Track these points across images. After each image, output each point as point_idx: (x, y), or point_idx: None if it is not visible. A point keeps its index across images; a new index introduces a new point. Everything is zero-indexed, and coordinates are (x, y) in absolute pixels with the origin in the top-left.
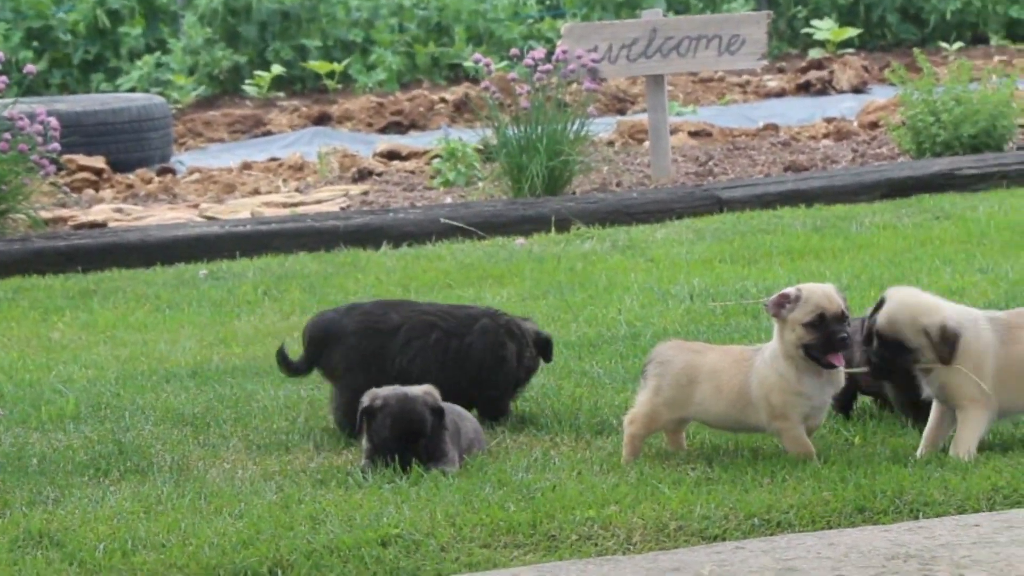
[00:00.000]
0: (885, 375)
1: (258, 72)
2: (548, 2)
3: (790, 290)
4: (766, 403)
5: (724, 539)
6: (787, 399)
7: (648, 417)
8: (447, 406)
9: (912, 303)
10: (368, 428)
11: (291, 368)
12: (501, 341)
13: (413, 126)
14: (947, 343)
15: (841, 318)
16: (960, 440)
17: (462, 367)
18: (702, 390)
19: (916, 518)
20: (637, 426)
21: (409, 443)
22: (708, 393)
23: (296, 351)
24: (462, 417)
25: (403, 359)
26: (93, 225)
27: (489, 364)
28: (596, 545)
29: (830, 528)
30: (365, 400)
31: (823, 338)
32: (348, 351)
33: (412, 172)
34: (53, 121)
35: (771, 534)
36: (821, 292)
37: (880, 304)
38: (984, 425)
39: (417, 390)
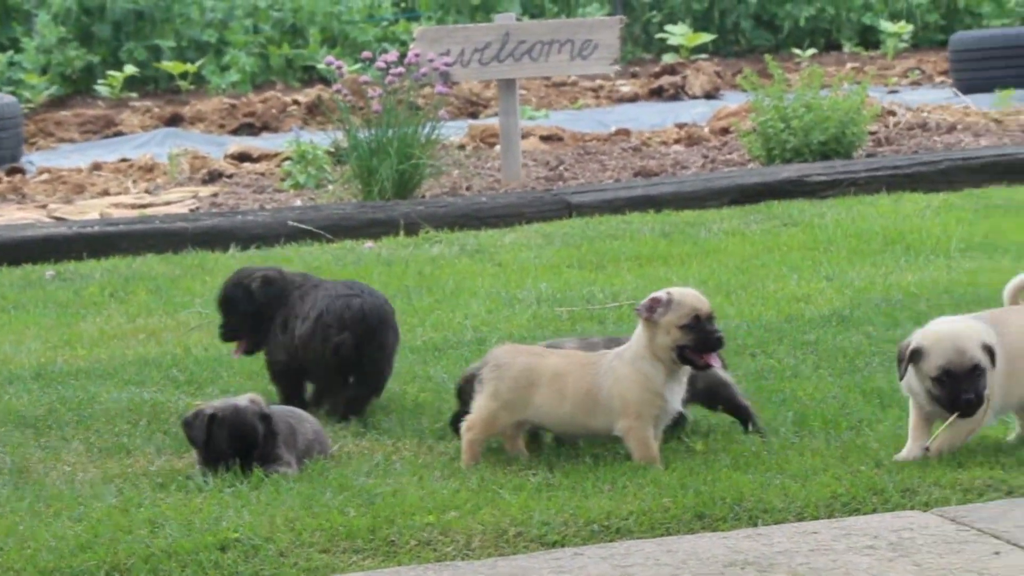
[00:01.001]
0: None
1: (111, 72)
2: (403, 5)
3: (660, 294)
4: (621, 402)
5: (563, 545)
6: (645, 398)
7: (486, 421)
8: (286, 409)
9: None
10: (205, 440)
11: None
12: None
13: (265, 128)
14: (898, 361)
15: (712, 318)
16: (941, 438)
17: None
18: (542, 393)
19: (755, 525)
20: (475, 431)
21: (243, 454)
22: (549, 396)
23: None
24: (300, 420)
25: None
26: None
27: None
28: (435, 551)
29: (669, 535)
30: (203, 412)
31: (699, 339)
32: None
33: (263, 174)
34: None
35: (610, 541)
36: (692, 295)
37: None
38: (968, 433)
39: (243, 400)
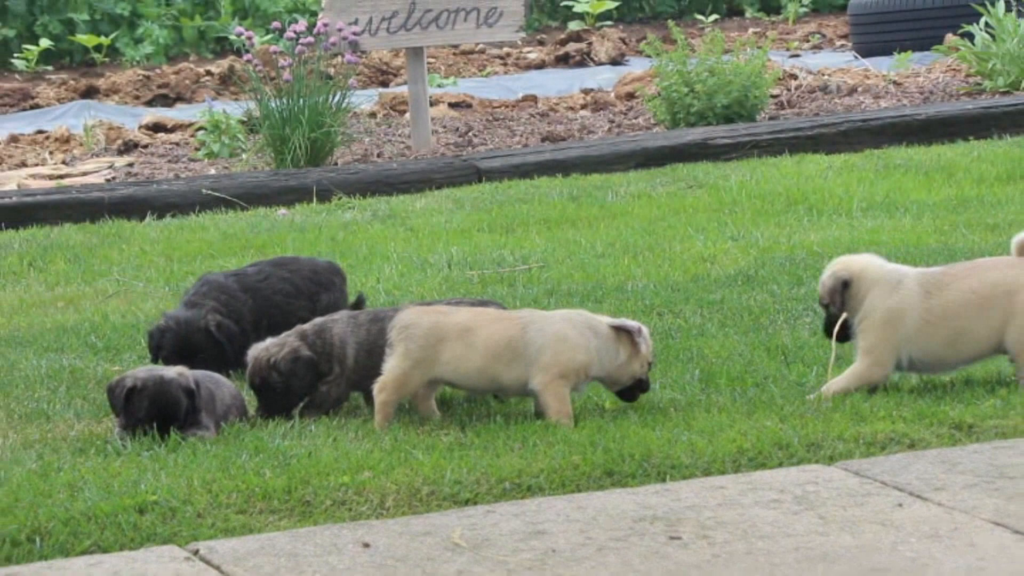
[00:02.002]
0: (827, 333)
1: (26, 46)
2: None
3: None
4: (551, 357)
5: (476, 503)
6: (579, 361)
7: (398, 382)
8: (204, 374)
9: (837, 262)
10: (124, 409)
11: None
12: None
13: (179, 99)
14: (832, 291)
15: None
16: (834, 382)
17: None
18: (452, 348)
19: (663, 481)
20: (388, 392)
21: (165, 426)
22: (460, 351)
23: None
24: (219, 384)
25: None
26: None
27: None
28: (350, 510)
29: (579, 492)
30: (127, 382)
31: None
32: None
33: (177, 144)
34: None
35: (522, 498)
36: None
37: None
38: (860, 382)
39: (171, 372)
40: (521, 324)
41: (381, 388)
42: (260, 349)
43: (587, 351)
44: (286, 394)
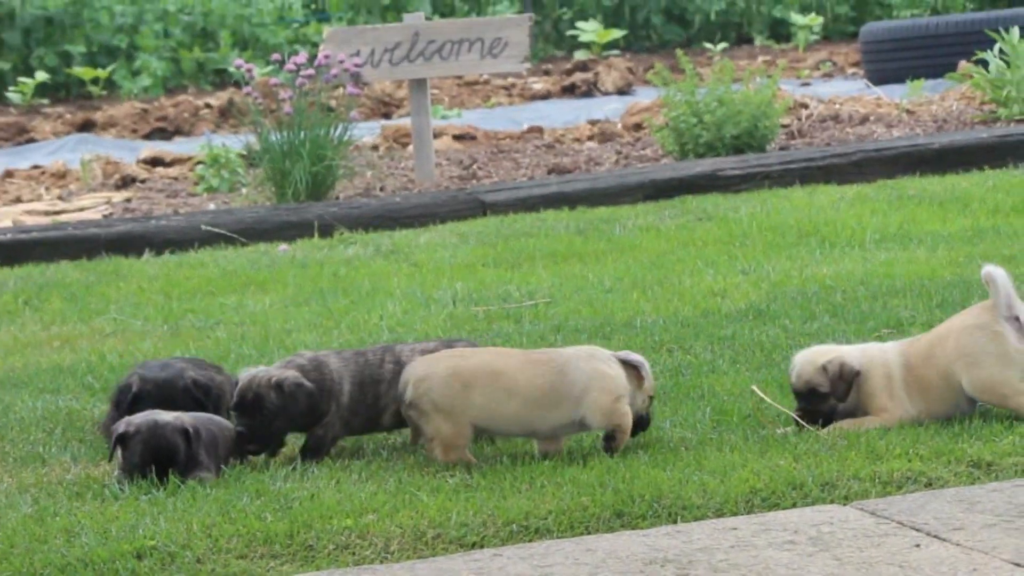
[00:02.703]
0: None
1: (22, 79)
2: (313, 6)
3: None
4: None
5: (482, 546)
6: (621, 387)
7: (448, 442)
8: (206, 417)
9: (811, 352)
10: (121, 454)
11: None
12: None
13: (178, 132)
14: (844, 380)
15: None
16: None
17: None
18: (483, 393)
19: (674, 522)
20: (450, 454)
21: (162, 470)
22: (493, 396)
23: None
24: (221, 427)
25: None
26: None
27: None
28: (353, 554)
29: (588, 534)
30: (120, 427)
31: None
32: None
33: (176, 179)
34: None
35: (529, 541)
36: None
37: None
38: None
39: (168, 416)
40: (557, 367)
41: (439, 454)
42: (258, 369)
43: (623, 380)
44: (274, 419)
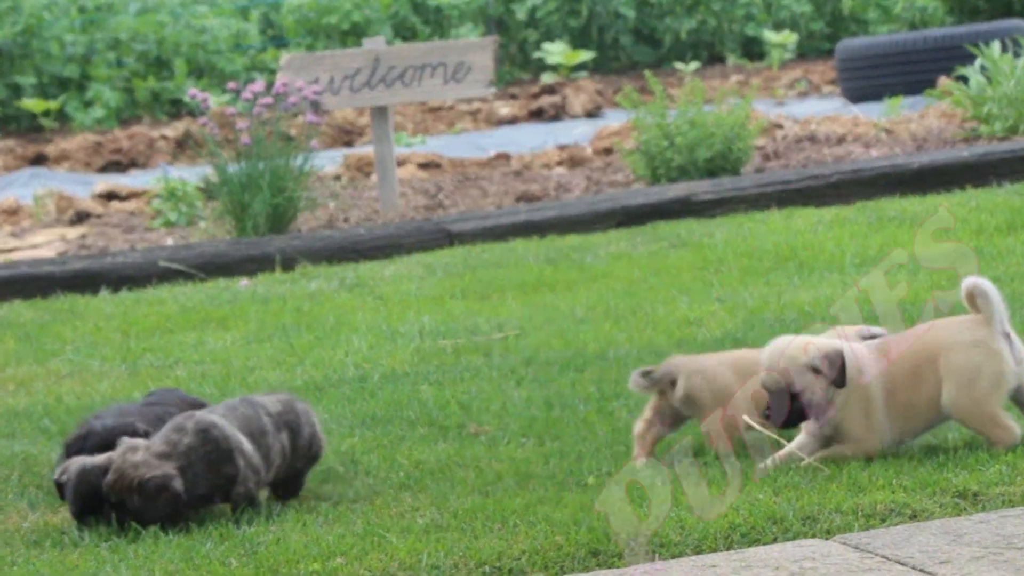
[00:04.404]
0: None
1: None
2: (270, 31)
3: None
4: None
5: None
6: None
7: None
8: None
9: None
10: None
11: None
12: None
13: (133, 164)
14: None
15: None
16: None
17: None
18: None
19: (651, 560)
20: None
21: (91, 513)
22: None
23: None
24: None
25: None
26: None
27: None
28: None
29: (563, 573)
30: (56, 472)
31: None
32: None
33: (132, 213)
34: None
35: None
36: None
37: None
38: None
39: (100, 459)
40: None
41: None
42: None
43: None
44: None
